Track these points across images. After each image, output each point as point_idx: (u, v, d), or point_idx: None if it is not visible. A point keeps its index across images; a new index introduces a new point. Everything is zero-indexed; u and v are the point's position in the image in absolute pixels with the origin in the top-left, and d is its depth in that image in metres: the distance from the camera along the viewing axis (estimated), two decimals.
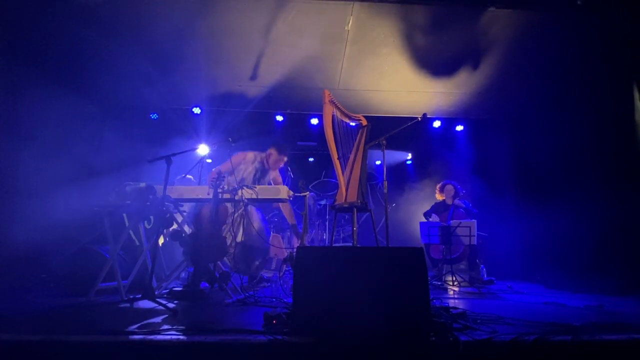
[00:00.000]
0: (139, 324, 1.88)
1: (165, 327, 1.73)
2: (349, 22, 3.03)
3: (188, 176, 4.15)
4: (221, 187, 2.85)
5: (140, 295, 2.35)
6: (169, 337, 1.56)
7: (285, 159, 3.57)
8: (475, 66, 3.68)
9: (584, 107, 3.82)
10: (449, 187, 4.51)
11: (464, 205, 4.34)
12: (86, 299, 2.58)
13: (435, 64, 3.70)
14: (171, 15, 2.93)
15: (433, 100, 4.44)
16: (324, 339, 1.56)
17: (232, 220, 3.01)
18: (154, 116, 4.90)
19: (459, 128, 5.36)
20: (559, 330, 1.72)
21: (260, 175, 3.48)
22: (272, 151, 3.51)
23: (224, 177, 2.89)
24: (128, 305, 2.45)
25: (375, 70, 3.82)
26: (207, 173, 4.53)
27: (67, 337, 1.54)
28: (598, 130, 3.61)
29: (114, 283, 2.73)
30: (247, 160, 3.47)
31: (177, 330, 1.66)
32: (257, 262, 3.41)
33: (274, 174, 3.58)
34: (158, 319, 1.99)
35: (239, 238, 3.19)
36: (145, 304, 2.39)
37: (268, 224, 4.02)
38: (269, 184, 3.50)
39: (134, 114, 4.86)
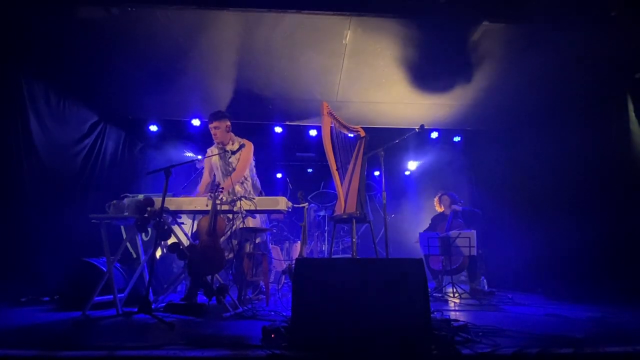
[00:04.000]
0: (135, 339, 1.85)
1: (162, 341, 1.70)
2: (346, 35, 3.08)
3: None
4: (219, 198, 2.84)
5: (136, 309, 2.31)
6: (165, 352, 1.53)
7: (228, 123, 3.44)
8: (471, 79, 3.73)
9: (580, 118, 3.86)
10: (445, 197, 4.52)
11: (460, 209, 4.33)
12: (82, 313, 2.54)
13: (431, 76, 3.75)
14: (171, 29, 2.98)
15: (430, 112, 4.49)
16: (324, 353, 1.54)
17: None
18: (154, 127, 4.92)
19: (457, 139, 5.40)
20: (562, 343, 1.71)
21: (224, 155, 3.39)
22: (215, 125, 3.39)
23: (221, 188, 2.88)
24: (124, 319, 2.42)
25: (372, 83, 3.87)
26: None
27: (62, 353, 1.52)
28: (594, 141, 3.64)
29: (110, 297, 2.69)
30: (211, 156, 3.44)
31: (174, 345, 1.63)
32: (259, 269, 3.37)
33: (236, 152, 3.39)
34: (155, 334, 1.96)
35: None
36: (142, 318, 2.35)
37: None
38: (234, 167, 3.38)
39: (134, 125, 4.88)
